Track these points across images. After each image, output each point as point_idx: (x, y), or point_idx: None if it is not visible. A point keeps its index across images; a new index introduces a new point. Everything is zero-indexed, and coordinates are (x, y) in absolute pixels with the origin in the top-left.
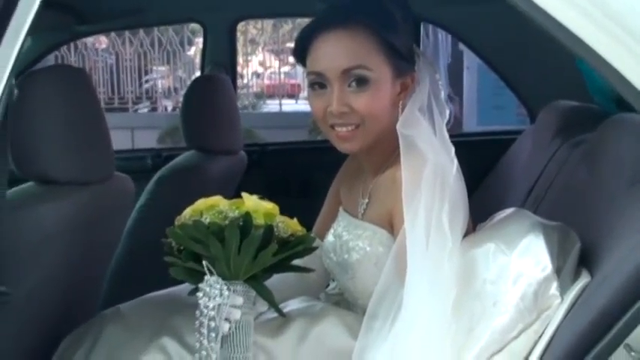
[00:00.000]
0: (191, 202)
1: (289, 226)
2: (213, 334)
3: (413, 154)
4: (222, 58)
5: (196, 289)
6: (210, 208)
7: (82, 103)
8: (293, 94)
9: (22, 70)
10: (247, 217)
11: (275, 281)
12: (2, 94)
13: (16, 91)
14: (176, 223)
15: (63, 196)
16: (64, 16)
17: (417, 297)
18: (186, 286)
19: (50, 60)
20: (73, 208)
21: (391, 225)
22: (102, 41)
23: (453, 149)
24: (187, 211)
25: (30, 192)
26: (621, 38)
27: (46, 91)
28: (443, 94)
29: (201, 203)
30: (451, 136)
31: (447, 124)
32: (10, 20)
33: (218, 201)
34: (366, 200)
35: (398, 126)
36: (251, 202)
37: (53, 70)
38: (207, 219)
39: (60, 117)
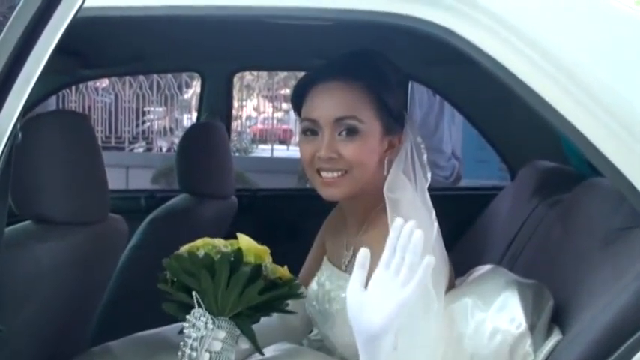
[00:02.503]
0: (182, 244)
1: (277, 270)
2: None
3: (399, 215)
4: (218, 106)
5: None
6: (207, 245)
7: (81, 147)
8: (284, 140)
9: (25, 112)
10: (238, 253)
11: (259, 325)
12: (9, 137)
13: (20, 135)
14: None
15: (59, 235)
16: (69, 60)
17: (406, 354)
18: (174, 327)
19: (52, 98)
20: (68, 248)
21: None
22: (102, 80)
23: (433, 212)
24: (185, 247)
25: (27, 231)
26: (591, 108)
27: (49, 135)
28: (425, 158)
29: (199, 241)
30: (436, 190)
31: (449, 178)
32: (23, 66)
33: (215, 240)
34: (350, 253)
35: (385, 190)
36: (244, 241)
37: (56, 115)
38: (201, 253)
39: (60, 160)
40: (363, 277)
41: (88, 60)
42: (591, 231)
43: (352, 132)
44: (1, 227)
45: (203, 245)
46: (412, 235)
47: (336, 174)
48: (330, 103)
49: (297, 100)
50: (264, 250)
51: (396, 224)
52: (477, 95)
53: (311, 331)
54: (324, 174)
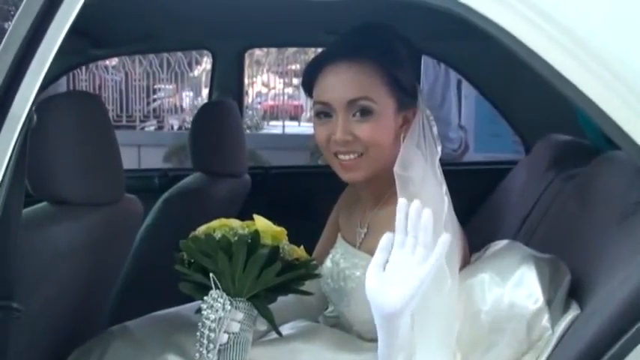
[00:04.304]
0: (196, 223)
1: (295, 251)
2: (212, 345)
3: (409, 193)
4: (229, 84)
5: None
6: (224, 226)
7: (95, 128)
8: (296, 116)
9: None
10: (255, 235)
11: (275, 303)
12: (25, 119)
13: (35, 117)
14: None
15: (75, 216)
16: (80, 40)
17: (421, 332)
18: (191, 306)
19: (62, 78)
20: (84, 228)
21: None
22: (112, 59)
23: (445, 185)
24: (202, 228)
25: (44, 212)
26: (606, 80)
27: (62, 117)
28: (435, 130)
29: (215, 222)
30: (450, 165)
31: (457, 150)
32: (37, 50)
33: (232, 222)
34: (365, 230)
35: (396, 167)
36: (261, 222)
37: (70, 96)
38: (218, 235)
39: (75, 142)
40: (384, 259)
41: (99, 40)
42: (608, 205)
43: (366, 112)
44: (18, 208)
45: (220, 227)
46: (421, 213)
47: (352, 156)
48: (341, 84)
49: (308, 82)
50: (281, 231)
51: (400, 205)
52: (490, 69)
53: (326, 308)
54: (341, 157)
